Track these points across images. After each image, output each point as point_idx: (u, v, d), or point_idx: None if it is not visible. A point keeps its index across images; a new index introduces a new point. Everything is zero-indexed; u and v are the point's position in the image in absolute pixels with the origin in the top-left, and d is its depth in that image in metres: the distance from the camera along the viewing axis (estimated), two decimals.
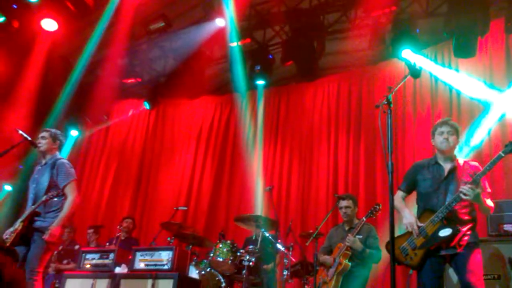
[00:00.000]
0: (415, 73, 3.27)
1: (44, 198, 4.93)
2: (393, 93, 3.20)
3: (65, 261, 7.75)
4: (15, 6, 8.64)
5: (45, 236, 4.78)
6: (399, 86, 3.33)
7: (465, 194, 3.68)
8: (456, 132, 4.06)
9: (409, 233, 3.98)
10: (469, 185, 3.70)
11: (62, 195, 5.08)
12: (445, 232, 3.74)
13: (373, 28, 7.86)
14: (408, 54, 7.02)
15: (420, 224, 3.91)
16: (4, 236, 5.02)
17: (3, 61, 9.08)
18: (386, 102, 3.20)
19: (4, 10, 8.62)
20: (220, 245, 6.22)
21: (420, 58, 7.32)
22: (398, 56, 7.16)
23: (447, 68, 7.60)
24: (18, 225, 4.90)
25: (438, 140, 4.06)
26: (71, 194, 5.06)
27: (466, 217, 3.85)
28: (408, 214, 4.03)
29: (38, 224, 4.92)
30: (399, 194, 4.26)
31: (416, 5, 7.66)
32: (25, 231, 4.84)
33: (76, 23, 8.67)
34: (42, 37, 8.80)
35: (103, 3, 8.52)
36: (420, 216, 4.00)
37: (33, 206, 4.94)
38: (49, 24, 8.39)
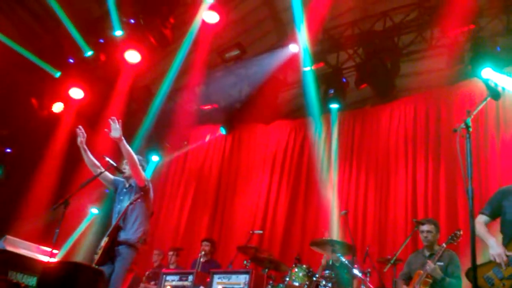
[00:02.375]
0: (496, 94, 3.15)
1: (128, 203, 5.15)
2: (472, 116, 3.11)
3: (152, 282, 8.11)
4: (101, 41, 9.29)
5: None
6: (478, 109, 3.23)
7: None
8: None
9: (494, 262, 3.78)
10: None
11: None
12: None
13: (450, 47, 7.67)
14: (489, 73, 6.77)
15: (509, 254, 3.70)
16: (94, 256, 5.31)
17: (91, 91, 9.73)
18: (464, 126, 3.12)
19: (92, 44, 9.31)
20: (296, 270, 6.20)
21: (501, 77, 7.02)
22: (478, 76, 6.92)
23: None
24: (103, 242, 5.16)
25: None
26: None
27: None
28: (494, 244, 3.81)
29: (122, 237, 5.12)
30: (481, 219, 4.04)
31: (496, 22, 7.39)
32: (110, 246, 5.07)
33: (156, 54, 9.18)
34: (126, 68, 9.34)
35: (182, 34, 8.96)
36: (507, 245, 3.79)
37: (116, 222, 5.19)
38: (132, 56, 8.94)
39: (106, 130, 5.14)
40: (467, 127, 3.10)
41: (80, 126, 5.55)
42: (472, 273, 2.83)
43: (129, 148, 5.19)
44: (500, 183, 6.75)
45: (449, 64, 7.72)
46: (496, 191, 4.15)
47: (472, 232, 2.97)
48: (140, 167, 5.29)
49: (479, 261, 3.34)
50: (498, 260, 3.71)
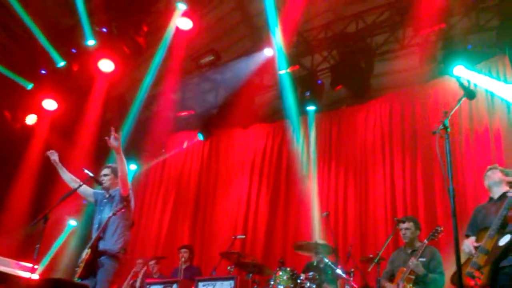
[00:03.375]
0: (471, 94, 3.21)
1: (109, 214, 5.12)
2: (449, 117, 3.18)
3: None
4: (74, 51, 9.18)
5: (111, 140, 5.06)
6: (454, 110, 3.31)
7: None
8: (504, 174, 4.24)
9: (470, 259, 3.94)
10: None
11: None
12: (505, 239, 3.68)
13: (423, 46, 7.79)
14: (461, 71, 6.90)
15: (476, 244, 3.89)
16: (76, 269, 5.24)
17: (65, 102, 9.59)
18: (442, 127, 3.19)
19: (64, 54, 9.19)
20: (280, 273, 6.21)
21: (473, 74, 7.17)
22: (450, 73, 7.05)
23: (502, 82, 7.39)
24: (84, 254, 5.09)
25: (488, 183, 4.36)
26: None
27: None
28: (464, 241, 4.07)
29: (103, 247, 5.07)
30: (465, 241, 4.24)
31: (466, 20, 7.54)
32: (92, 257, 5.02)
33: (131, 63, 9.10)
34: (100, 77, 9.24)
35: (155, 42, 8.91)
36: (477, 238, 3.99)
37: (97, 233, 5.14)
38: (105, 65, 8.85)
39: (106, 138, 5.16)
40: (445, 127, 3.17)
41: (49, 151, 5.58)
42: (457, 272, 2.88)
43: (124, 159, 5.20)
44: (476, 178, 6.89)
45: (422, 63, 7.84)
46: (472, 212, 4.46)
47: (455, 232, 3.03)
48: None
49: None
50: (467, 250, 3.88)
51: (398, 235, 6.10)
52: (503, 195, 4.10)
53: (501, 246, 3.68)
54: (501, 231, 3.74)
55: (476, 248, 3.89)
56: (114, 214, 5.10)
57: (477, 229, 4.12)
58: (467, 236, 4.31)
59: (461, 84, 3.58)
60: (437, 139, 3.17)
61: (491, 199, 4.35)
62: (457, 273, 2.86)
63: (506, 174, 4.33)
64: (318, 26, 8.87)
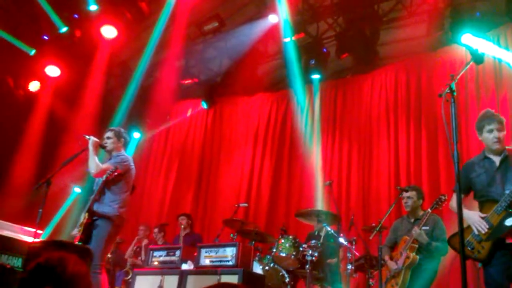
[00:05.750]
0: (478, 59, 3.14)
1: (104, 178, 5.14)
2: (456, 80, 3.10)
3: (139, 258, 8.16)
4: (76, 16, 9.05)
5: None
6: (461, 73, 3.22)
7: None
8: (504, 126, 3.96)
9: (471, 228, 3.87)
10: None
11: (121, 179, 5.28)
12: (511, 221, 3.59)
13: (430, 14, 7.64)
14: (469, 39, 6.76)
15: (483, 215, 3.79)
16: (73, 233, 5.27)
17: (68, 69, 9.52)
18: (449, 91, 3.12)
19: (66, 20, 9.06)
20: (283, 241, 6.26)
21: (481, 42, 7.03)
22: (458, 42, 6.90)
23: (510, 51, 7.24)
24: (82, 217, 5.13)
25: (489, 138, 3.97)
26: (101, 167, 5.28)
27: None
28: (469, 214, 3.88)
29: (96, 208, 5.11)
30: (455, 196, 4.10)
31: None
32: (89, 221, 5.05)
33: (133, 29, 8.98)
34: (102, 44, 9.15)
35: (158, 8, 8.76)
36: (481, 208, 3.88)
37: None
38: (108, 32, 8.75)
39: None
40: (452, 91, 3.09)
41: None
42: (460, 238, 2.85)
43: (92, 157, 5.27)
44: (480, 146, 6.81)
45: (429, 31, 7.72)
46: (461, 168, 4.17)
47: (458, 197, 3.00)
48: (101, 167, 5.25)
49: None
50: (478, 228, 3.78)
51: (400, 204, 6.08)
52: (505, 159, 3.91)
53: (507, 227, 3.60)
54: (510, 211, 3.64)
55: (482, 218, 3.79)
56: (107, 179, 5.11)
57: (482, 201, 3.93)
58: (454, 191, 4.05)
59: (469, 48, 3.48)
60: (443, 102, 3.10)
61: (484, 156, 4.08)
62: (460, 240, 2.83)
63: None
64: None
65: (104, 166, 5.23)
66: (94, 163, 5.19)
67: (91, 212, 5.06)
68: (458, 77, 3.15)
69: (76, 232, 5.10)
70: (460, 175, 4.05)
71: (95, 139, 5.35)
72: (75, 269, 1.79)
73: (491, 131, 3.94)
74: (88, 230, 4.98)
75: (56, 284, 1.80)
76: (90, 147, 5.22)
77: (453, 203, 4.02)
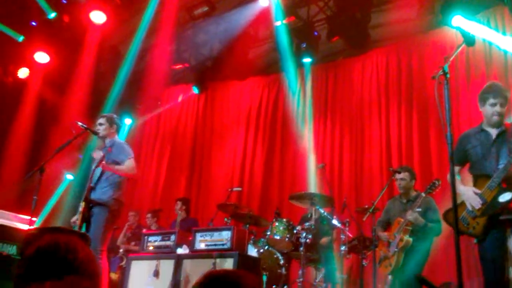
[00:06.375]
0: (470, 41, 3.15)
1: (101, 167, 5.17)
2: (449, 62, 3.12)
3: (132, 243, 8.20)
4: (64, 1, 8.94)
5: (94, 153, 5.22)
6: (454, 55, 3.25)
7: None
8: (507, 102, 3.95)
9: (464, 203, 3.91)
10: None
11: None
12: (505, 197, 3.65)
13: None
14: (459, 21, 6.78)
15: (477, 191, 3.83)
16: (72, 221, 5.29)
17: (57, 55, 9.43)
18: (442, 73, 3.14)
19: (54, 5, 8.95)
20: (277, 224, 6.32)
21: (472, 24, 7.05)
22: (449, 24, 6.92)
23: (501, 33, 7.28)
24: (80, 207, 5.13)
25: (489, 112, 3.97)
26: (130, 166, 5.40)
27: None
28: (464, 189, 3.93)
29: (92, 196, 5.12)
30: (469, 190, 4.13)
31: None
32: (86, 209, 5.08)
33: (122, 14, 8.90)
34: (92, 29, 9.05)
35: None
36: (475, 183, 3.93)
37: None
38: (97, 17, 8.66)
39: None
40: (445, 73, 3.12)
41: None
42: (454, 217, 2.90)
43: (115, 168, 5.34)
44: (471, 126, 6.87)
45: (420, 14, 7.71)
46: (457, 140, 4.21)
47: (452, 176, 3.04)
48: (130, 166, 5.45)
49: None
50: (472, 204, 3.83)
51: (393, 185, 6.15)
52: (502, 133, 3.94)
53: (500, 203, 3.65)
54: (503, 186, 3.68)
55: (475, 194, 3.83)
56: (97, 166, 5.11)
57: (476, 175, 3.97)
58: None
59: (461, 30, 3.50)
60: (436, 84, 3.13)
61: (481, 129, 4.08)
62: (454, 218, 2.87)
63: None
64: None
65: (129, 163, 5.41)
66: (125, 170, 5.35)
67: (87, 201, 5.07)
68: (451, 59, 3.18)
69: (75, 219, 5.11)
70: (456, 146, 4.12)
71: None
72: (86, 252, 1.67)
73: (494, 104, 3.94)
74: (86, 218, 4.99)
75: (64, 270, 1.62)
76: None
77: (449, 177, 4.06)
